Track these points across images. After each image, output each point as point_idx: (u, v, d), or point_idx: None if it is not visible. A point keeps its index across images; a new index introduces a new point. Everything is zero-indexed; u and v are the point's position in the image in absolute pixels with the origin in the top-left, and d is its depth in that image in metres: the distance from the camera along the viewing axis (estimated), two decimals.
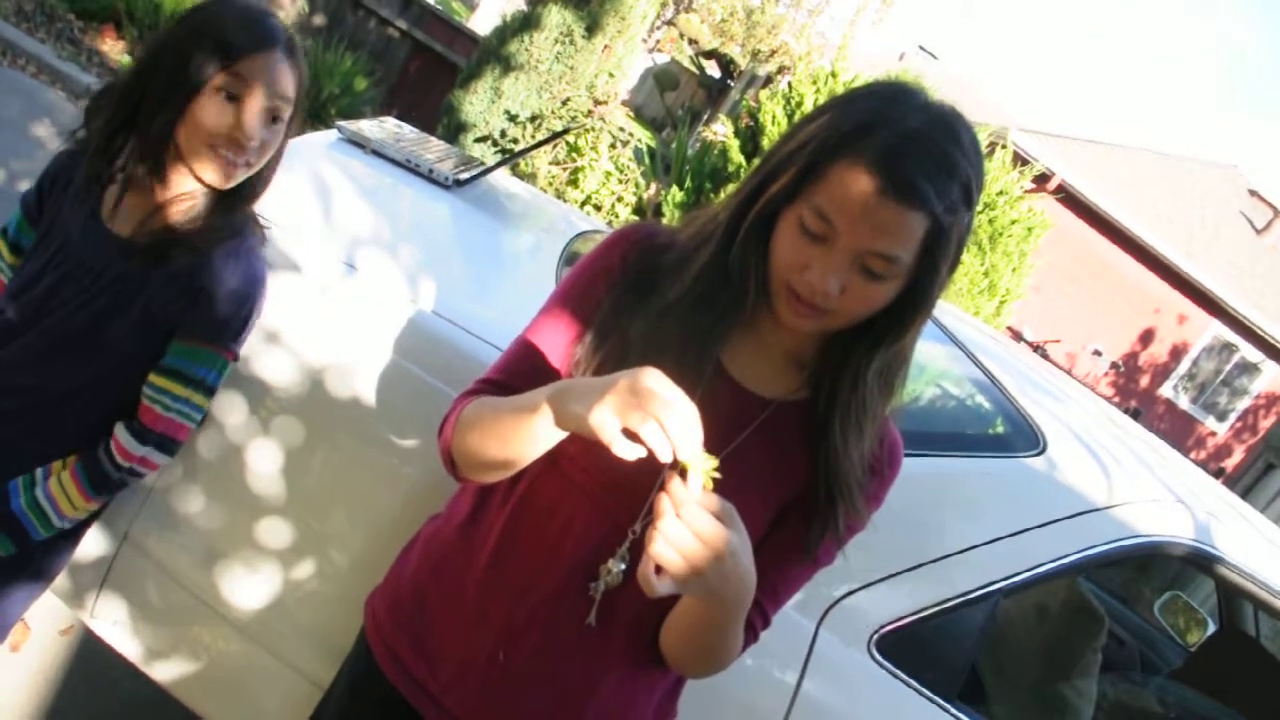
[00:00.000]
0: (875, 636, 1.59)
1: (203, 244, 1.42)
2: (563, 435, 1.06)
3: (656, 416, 0.92)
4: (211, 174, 1.39)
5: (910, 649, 1.60)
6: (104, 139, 1.40)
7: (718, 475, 0.96)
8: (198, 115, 1.34)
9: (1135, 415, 14.17)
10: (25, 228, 1.54)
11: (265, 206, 1.59)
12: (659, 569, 0.97)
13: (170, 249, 1.40)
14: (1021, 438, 1.79)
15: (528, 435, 1.07)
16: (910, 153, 1.00)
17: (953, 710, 1.62)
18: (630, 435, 0.94)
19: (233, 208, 1.45)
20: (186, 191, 1.43)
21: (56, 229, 1.46)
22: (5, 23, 5.94)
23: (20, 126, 4.92)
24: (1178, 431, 16.51)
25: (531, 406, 1.05)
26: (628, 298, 1.17)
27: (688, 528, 0.94)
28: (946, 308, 2.66)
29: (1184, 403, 16.82)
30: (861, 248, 1.02)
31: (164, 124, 1.35)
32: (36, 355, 1.44)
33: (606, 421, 0.94)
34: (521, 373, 1.19)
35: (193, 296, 1.44)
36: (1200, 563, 1.76)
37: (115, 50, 6.68)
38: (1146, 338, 16.14)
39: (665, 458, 0.93)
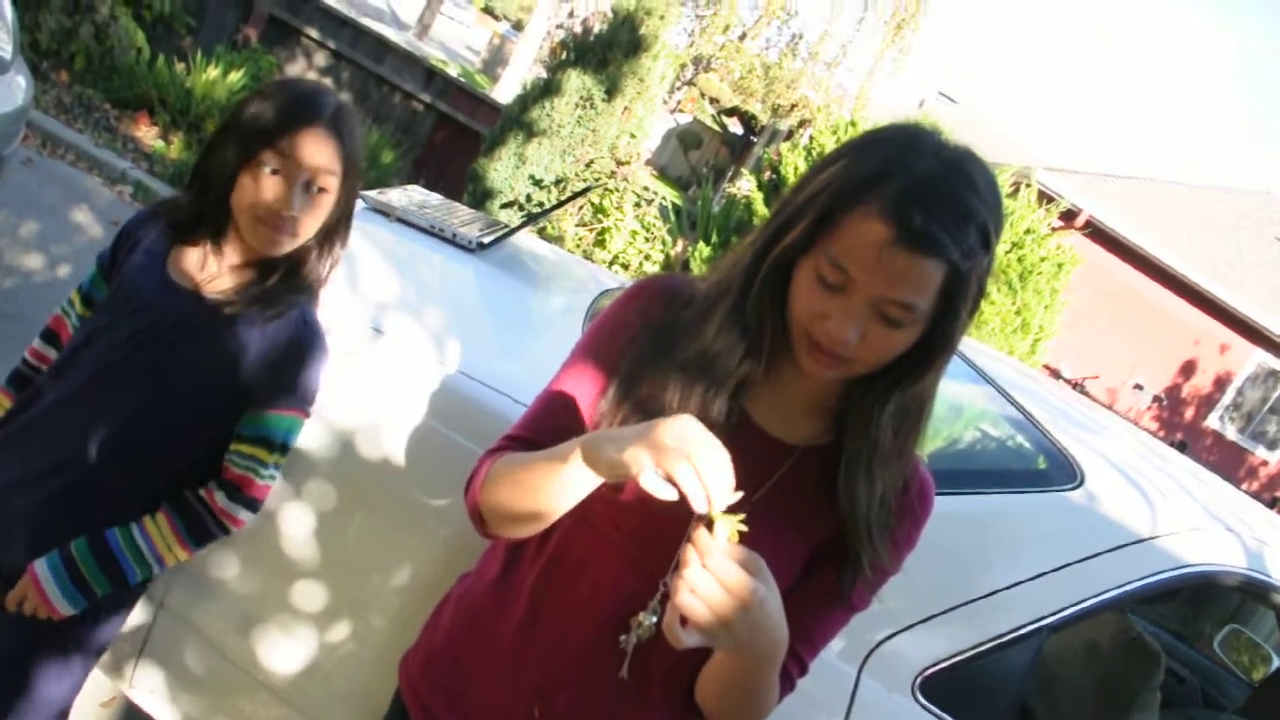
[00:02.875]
0: (919, 680, 1.55)
1: (260, 305, 1.50)
2: (594, 485, 1.06)
3: (692, 460, 0.92)
4: (259, 242, 1.48)
5: (956, 691, 1.57)
6: (177, 204, 1.54)
7: (744, 528, 0.95)
8: (244, 189, 1.44)
9: (1181, 448, 13.91)
10: (99, 282, 1.62)
11: None
12: (685, 620, 0.96)
13: (228, 305, 1.49)
14: (1059, 472, 1.76)
15: (559, 485, 1.07)
16: (924, 200, 0.99)
17: None
18: (664, 478, 0.94)
19: (289, 273, 1.53)
20: (244, 256, 1.52)
21: (125, 283, 1.53)
22: (46, 115, 6.13)
23: (60, 213, 5.05)
24: (1227, 463, 16.17)
25: (563, 455, 1.05)
26: (648, 350, 1.17)
27: (713, 577, 0.93)
28: (979, 346, 2.64)
29: (1231, 433, 16.49)
30: (879, 297, 1.01)
31: (219, 195, 1.46)
32: (106, 413, 1.48)
33: (640, 458, 0.94)
34: (546, 428, 1.19)
35: (260, 358, 1.51)
36: (1255, 591, 1.72)
37: (149, 136, 6.86)
38: (1188, 369, 15.89)
39: (699, 504, 0.93)
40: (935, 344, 1.07)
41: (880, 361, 1.08)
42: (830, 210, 1.03)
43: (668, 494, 0.94)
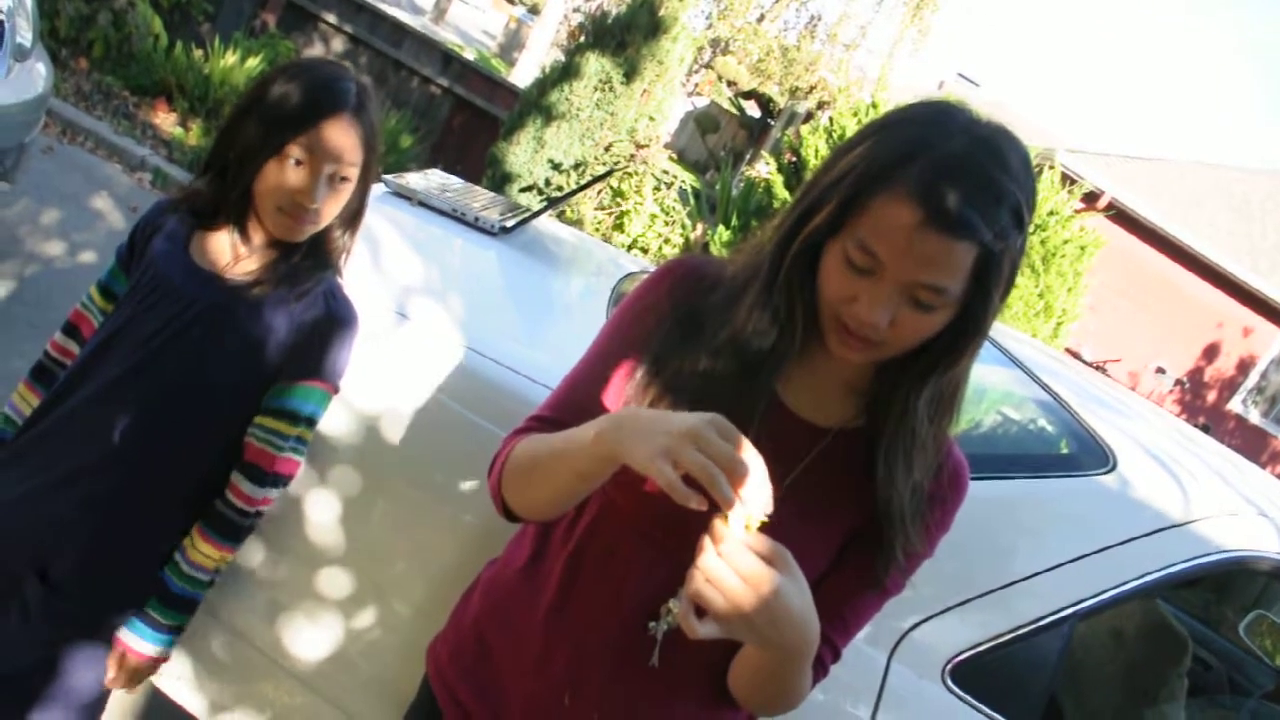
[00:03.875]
0: (949, 667, 1.54)
1: (287, 284, 1.49)
2: (614, 468, 1.04)
3: (727, 466, 0.90)
4: (280, 230, 1.48)
5: (986, 678, 1.55)
6: (198, 189, 1.53)
7: (765, 519, 0.93)
8: (268, 178, 1.43)
9: (1205, 431, 13.82)
10: (118, 275, 1.60)
11: None
12: (702, 612, 0.94)
13: (255, 286, 1.48)
14: (1090, 456, 1.73)
15: (580, 469, 1.06)
16: (953, 181, 0.95)
17: None
18: (690, 481, 0.92)
19: (312, 249, 1.52)
20: (267, 237, 1.51)
21: (148, 272, 1.52)
22: (65, 103, 6.15)
23: (80, 200, 5.07)
24: (1250, 447, 16.04)
25: (583, 440, 1.04)
26: (676, 333, 1.16)
27: (730, 566, 0.92)
28: (1004, 330, 2.61)
29: (1255, 417, 16.36)
30: (908, 280, 0.99)
31: (242, 181, 1.45)
32: (140, 406, 1.47)
33: (665, 470, 0.92)
34: (573, 409, 1.18)
35: (289, 336, 1.50)
36: None
37: (168, 122, 6.87)
38: (1211, 353, 15.76)
39: (736, 517, 0.91)
40: (967, 327, 1.04)
41: (910, 345, 1.05)
42: (857, 192, 1.00)
43: (699, 502, 0.91)
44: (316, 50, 8.62)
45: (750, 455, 0.93)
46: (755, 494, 0.92)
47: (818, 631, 1.02)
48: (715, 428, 0.93)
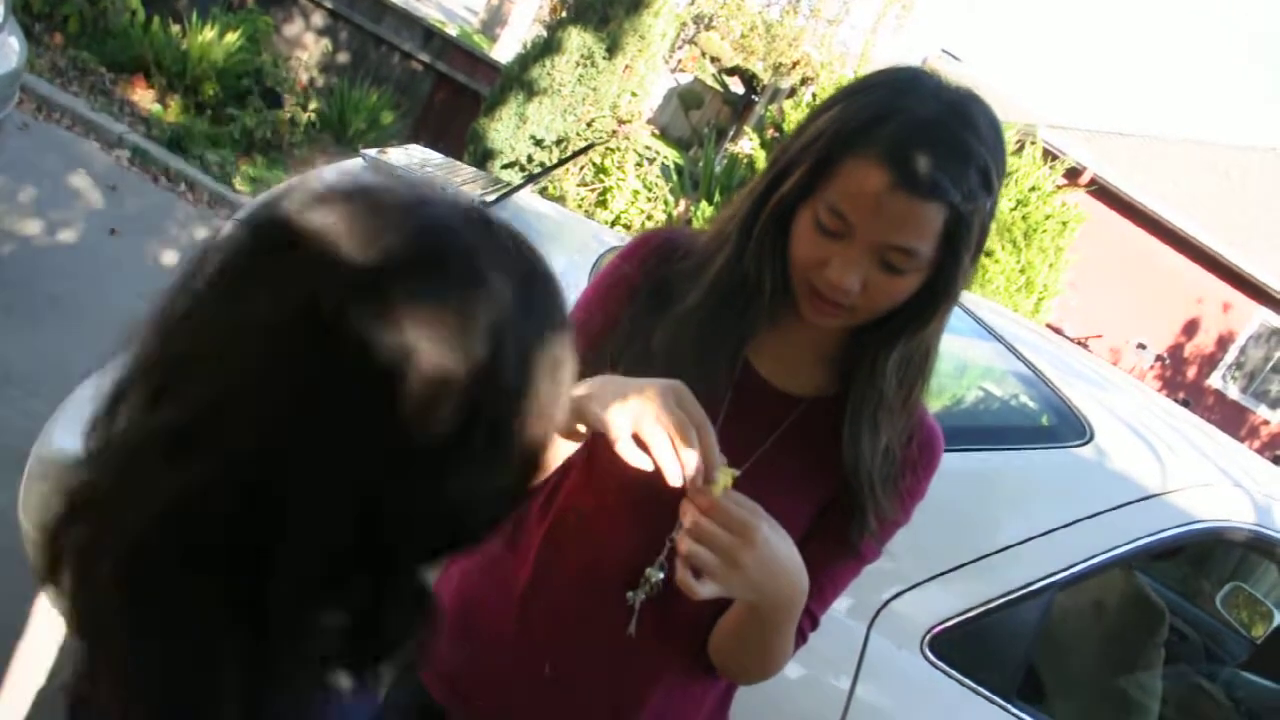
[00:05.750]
0: (927, 637, 1.56)
1: None
2: (584, 437, 1.05)
3: (670, 433, 0.92)
4: None
5: (964, 648, 1.57)
6: None
7: (736, 474, 0.96)
8: None
9: (1185, 406, 13.92)
10: None
11: None
12: (697, 572, 0.95)
13: None
14: (1068, 428, 1.75)
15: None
16: (922, 143, 0.96)
17: (1012, 709, 1.58)
18: (641, 445, 0.94)
19: None
20: None
21: None
22: (40, 79, 6.07)
23: (58, 178, 5.02)
24: (1229, 422, 16.17)
25: None
26: (649, 304, 1.16)
27: (717, 522, 0.94)
28: (985, 303, 2.62)
29: (1233, 392, 16.49)
30: (879, 242, 0.99)
31: None
32: None
33: (618, 423, 0.94)
34: None
35: None
36: (1262, 547, 1.72)
37: (146, 99, 6.79)
38: (1191, 329, 15.86)
39: (673, 477, 0.93)
40: (938, 290, 1.05)
41: (883, 309, 1.06)
42: (827, 156, 1.00)
43: (643, 463, 0.94)
44: (295, 25, 8.53)
45: (699, 428, 0.95)
46: (696, 470, 0.94)
47: (806, 581, 1.03)
48: (675, 394, 0.95)
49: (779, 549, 0.98)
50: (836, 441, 1.14)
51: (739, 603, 1.09)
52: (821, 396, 1.18)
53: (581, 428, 1.03)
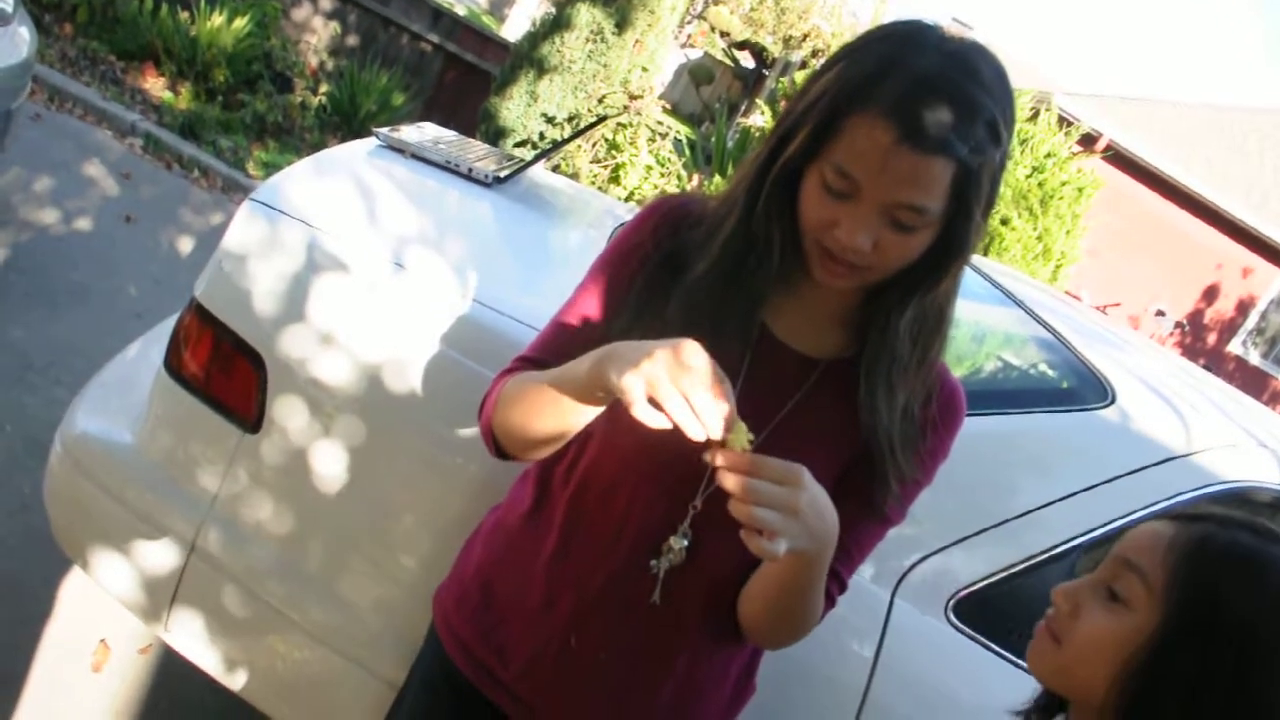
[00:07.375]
0: (952, 602, 1.55)
1: None
2: (605, 403, 1.05)
3: (685, 392, 0.91)
4: None
5: (989, 612, 1.56)
6: None
7: (752, 436, 0.96)
8: None
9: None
10: None
11: (309, 211, 1.59)
12: (762, 534, 0.95)
13: None
14: (1090, 390, 1.74)
15: (571, 402, 1.06)
16: (926, 97, 0.94)
17: None
18: (657, 405, 0.93)
19: None
20: None
21: None
22: (51, 69, 6.09)
23: (72, 167, 5.03)
24: (1250, 388, 16.04)
25: (578, 370, 1.04)
26: (662, 271, 1.15)
27: (763, 479, 0.93)
28: (1003, 269, 2.60)
29: (1255, 358, 16.35)
30: (888, 201, 0.98)
31: None
32: None
33: (633, 385, 0.93)
34: (559, 350, 1.17)
35: None
36: None
37: (156, 87, 6.80)
38: (1210, 294, 15.72)
39: (694, 434, 0.92)
40: (950, 247, 1.04)
41: (895, 267, 1.05)
42: (831, 115, 0.99)
43: (659, 423, 0.93)
44: (304, 9, 8.51)
45: (717, 383, 0.93)
46: (716, 423, 0.92)
47: (837, 523, 1.04)
48: (686, 351, 0.93)
49: (818, 493, 0.99)
50: (855, 403, 1.14)
51: (777, 563, 1.09)
52: (840, 358, 1.17)
53: (601, 394, 1.02)
